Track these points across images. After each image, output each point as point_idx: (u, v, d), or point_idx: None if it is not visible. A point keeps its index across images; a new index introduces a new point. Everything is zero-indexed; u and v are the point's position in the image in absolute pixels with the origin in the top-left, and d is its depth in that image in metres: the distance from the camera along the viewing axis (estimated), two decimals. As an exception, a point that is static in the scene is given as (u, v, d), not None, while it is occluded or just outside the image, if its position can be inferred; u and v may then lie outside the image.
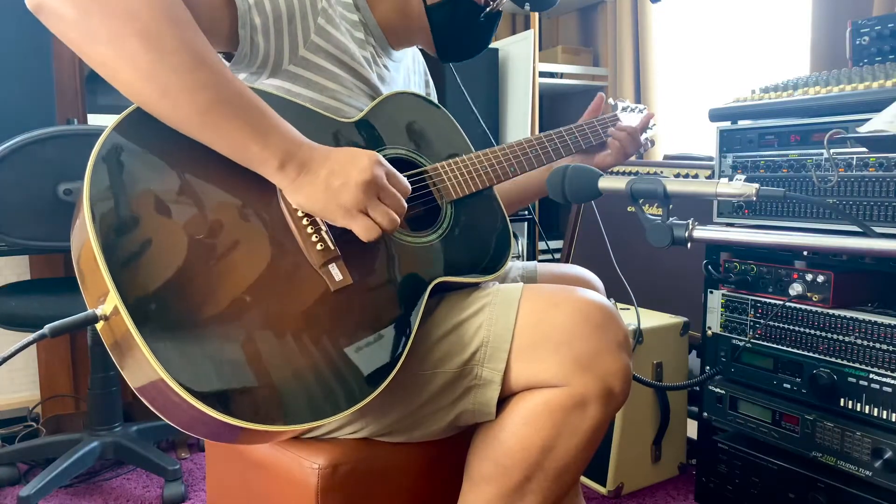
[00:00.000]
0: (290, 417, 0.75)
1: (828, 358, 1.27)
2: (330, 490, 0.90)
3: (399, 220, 0.85)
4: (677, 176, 2.01)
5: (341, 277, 0.83)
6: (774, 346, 1.36)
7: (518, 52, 2.70)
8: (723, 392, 1.45)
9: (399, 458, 0.97)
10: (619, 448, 1.70)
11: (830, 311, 1.26)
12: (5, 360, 0.76)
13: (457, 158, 1.04)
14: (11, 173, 1.51)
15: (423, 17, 1.06)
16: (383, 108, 1.02)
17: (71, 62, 2.10)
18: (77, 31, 0.74)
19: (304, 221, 0.84)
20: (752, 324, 1.41)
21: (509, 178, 1.08)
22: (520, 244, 2.70)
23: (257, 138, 0.79)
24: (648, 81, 2.66)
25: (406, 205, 0.87)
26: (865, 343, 1.21)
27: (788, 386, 1.34)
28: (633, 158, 1.40)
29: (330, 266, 0.83)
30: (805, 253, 1.35)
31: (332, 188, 0.81)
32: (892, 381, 1.17)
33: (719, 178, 0.90)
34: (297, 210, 0.84)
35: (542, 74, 2.72)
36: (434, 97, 1.30)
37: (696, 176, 1.96)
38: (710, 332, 1.49)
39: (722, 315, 1.47)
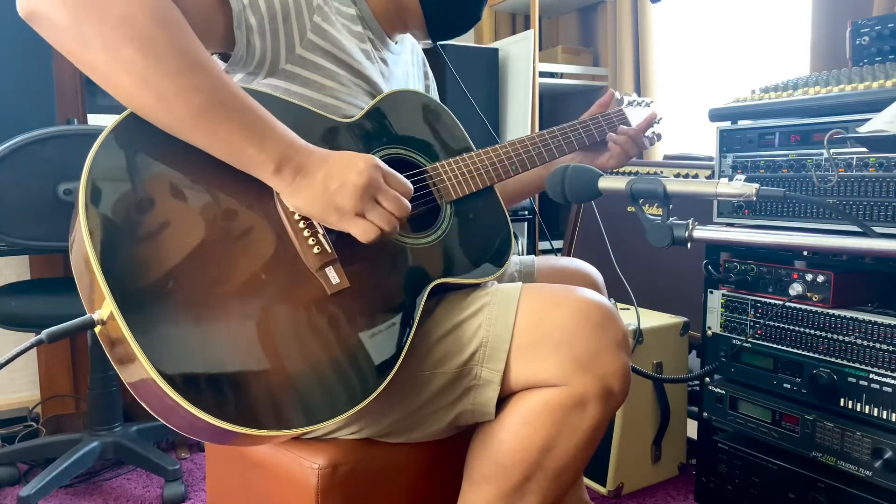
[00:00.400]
0: (287, 421, 0.75)
1: (828, 358, 1.27)
2: (330, 490, 0.90)
3: (399, 221, 0.85)
4: (677, 176, 2.01)
5: (338, 281, 0.83)
6: (774, 346, 1.36)
7: (518, 52, 2.70)
8: (723, 392, 1.45)
9: (399, 459, 0.97)
10: (619, 448, 1.70)
11: (830, 311, 1.26)
12: (2, 365, 0.76)
13: (457, 157, 1.04)
14: (11, 173, 1.51)
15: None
16: (383, 106, 1.01)
17: (71, 62, 2.10)
18: (70, 38, 0.73)
19: (301, 224, 0.83)
20: (752, 324, 1.41)
21: (510, 176, 1.08)
22: (520, 244, 2.70)
23: (253, 141, 0.79)
24: (648, 81, 2.66)
25: (409, 206, 0.86)
26: (865, 343, 1.21)
27: (788, 386, 1.34)
28: (633, 158, 1.40)
29: (327, 269, 0.83)
30: (805, 253, 1.35)
31: (329, 192, 0.81)
32: (892, 381, 1.17)
33: (719, 178, 0.90)
34: (293, 213, 0.83)
35: (542, 74, 2.72)
36: (434, 89, 1.30)
37: (696, 176, 1.96)
38: (710, 332, 1.49)
39: (722, 315, 1.47)
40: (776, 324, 1.36)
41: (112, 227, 0.74)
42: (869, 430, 1.20)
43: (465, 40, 2.93)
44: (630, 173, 2.15)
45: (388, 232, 0.84)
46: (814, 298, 1.29)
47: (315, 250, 0.83)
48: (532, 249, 2.72)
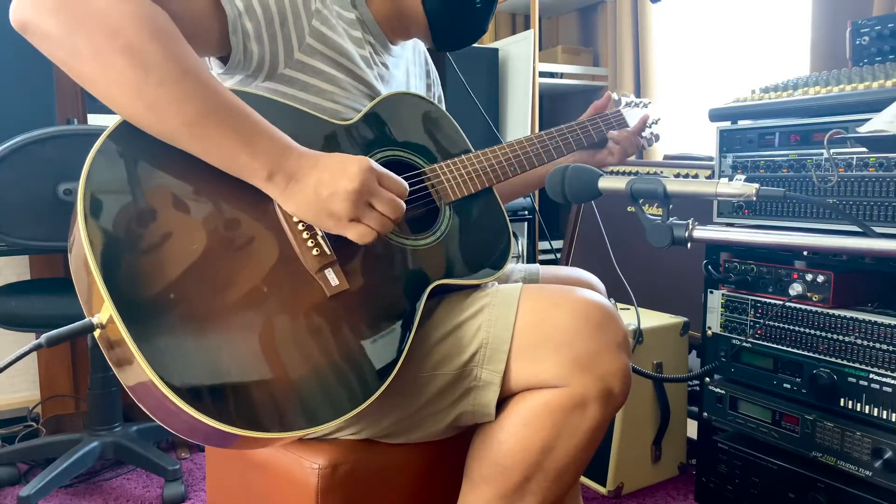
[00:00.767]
0: (286, 424, 0.75)
1: (828, 358, 1.27)
2: (330, 490, 0.90)
3: (394, 222, 0.85)
4: (677, 176, 2.01)
5: (338, 282, 0.83)
6: (774, 346, 1.36)
7: (518, 52, 2.70)
8: (723, 392, 1.45)
9: (399, 459, 0.97)
10: (619, 448, 1.70)
11: (830, 311, 1.26)
12: (1, 369, 0.76)
13: (455, 159, 1.04)
14: (11, 173, 1.51)
15: (417, 5, 1.05)
16: (381, 109, 1.01)
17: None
18: (62, 48, 0.73)
19: (300, 227, 0.83)
20: (752, 324, 1.41)
21: (509, 177, 1.08)
22: (520, 244, 2.70)
23: (246, 148, 0.79)
24: (648, 81, 2.66)
25: (404, 205, 0.86)
26: (865, 343, 1.21)
27: (788, 386, 1.34)
28: (632, 158, 1.40)
29: (326, 271, 0.83)
30: (805, 253, 1.35)
31: (322, 198, 0.81)
32: (892, 381, 1.17)
33: (719, 178, 0.90)
34: (292, 216, 0.83)
35: (542, 74, 2.72)
36: (437, 85, 1.29)
37: (696, 176, 1.96)
38: (710, 332, 1.49)
39: (722, 315, 1.47)
40: (776, 324, 1.36)
41: (110, 229, 0.74)
42: (869, 430, 1.20)
43: (465, 40, 2.92)
44: (630, 173, 2.15)
45: (384, 233, 0.84)
46: (814, 298, 1.29)
47: (314, 252, 0.83)
48: (532, 249, 2.72)
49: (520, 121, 2.68)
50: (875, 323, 1.19)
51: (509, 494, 0.88)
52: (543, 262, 2.44)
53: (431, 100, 1.11)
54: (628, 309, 1.80)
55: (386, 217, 0.84)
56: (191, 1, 0.84)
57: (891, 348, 1.17)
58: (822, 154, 1.28)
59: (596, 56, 3.04)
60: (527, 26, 2.94)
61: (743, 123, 1.44)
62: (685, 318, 1.81)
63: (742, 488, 1.44)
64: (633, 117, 1.31)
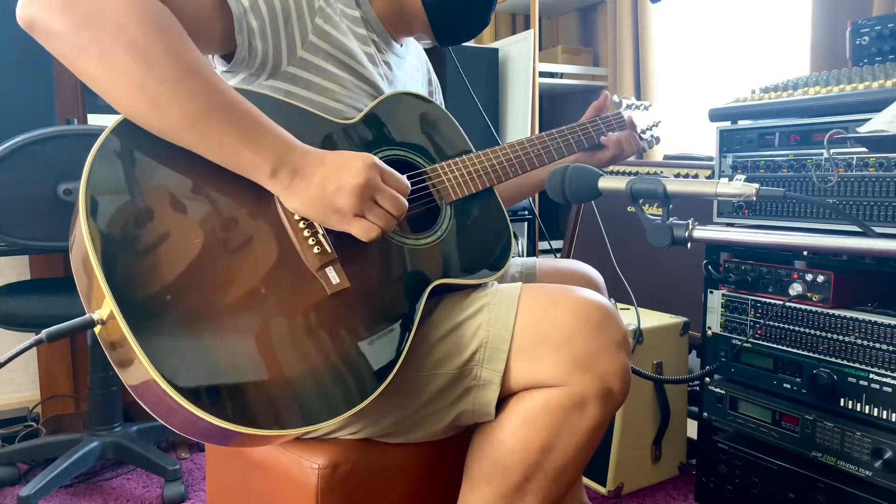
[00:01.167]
0: (287, 421, 0.75)
1: (828, 358, 1.27)
2: (330, 490, 0.90)
3: (397, 219, 0.85)
4: (677, 176, 2.01)
5: (338, 281, 0.83)
6: (774, 346, 1.36)
7: (518, 52, 2.70)
8: (723, 392, 1.45)
9: (399, 459, 0.97)
10: (619, 448, 1.70)
11: (830, 311, 1.26)
12: (2, 365, 0.76)
13: (456, 159, 1.04)
14: (11, 173, 1.51)
15: (417, 1, 1.05)
16: (382, 108, 1.01)
17: (71, 63, 2.10)
18: (68, 46, 0.74)
19: (301, 225, 0.83)
20: (752, 324, 1.41)
21: (510, 178, 1.08)
22: (520, 244, 2.70)
23: (249, 145, 0.79)
24: (648, 81, 2.66)
25: (407, 202, 0.86)
26: (865, 343, 1.21)
27: (788, 386, 1.34)
28: (632, 158, 1.40)
29: (327, 269, 0.83)
30: (805, 253, 1.35)
31: (327, 193, 0.81)
32: (892, 381, 1.17)
33: (719, 178, 0.90)
34: (293, 213, 0.83)
35: (542, 74, 2.72)
36: (439, 93, 1.29)
37: (696, 176, 1.96)
38: (710, 332, 1.49)
39: (722, 315, 1.47)
40: (776, 324, 1.36)
41: (112, 225, 0.74)
42: (869, 430, 1.20)
43: (465, 40, 2.93)
44: (630, 173, 2.15)
45: (387, 230, 0.84)
46: (814, 298, 1.29)
47: (315, 250, 0.83)
48: (532, 249, 2.72)
49: (520, 121, 2.68)
50: (875, 323, 1.19)
51: (509, 494, 0.88)
52: (542, 256, 2.44)
53: (432, 100, 1.11)
54: (628, 309, 1.80)
55: (389, 213, 0.84)
56: None
57: (891, 348, 1.17)
58: (822, 154, 1.28)
59: (596, 56, 3.04)
60: (527, 26, 2.94)
61: (743, 123, 1.44)
62: (685, 318, 1.81)
63: (742, 488, 1.44)
64: (634, 119, 1.31)
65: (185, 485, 1.78)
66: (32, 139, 1.52)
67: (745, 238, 0.81)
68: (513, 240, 1.06)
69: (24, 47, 1.74)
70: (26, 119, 1.71)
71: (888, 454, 1.16)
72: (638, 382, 1.68)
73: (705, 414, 1.50)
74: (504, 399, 0.90)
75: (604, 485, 1.72)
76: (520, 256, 1.37)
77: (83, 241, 0.72)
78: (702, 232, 0.78)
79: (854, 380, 1.22)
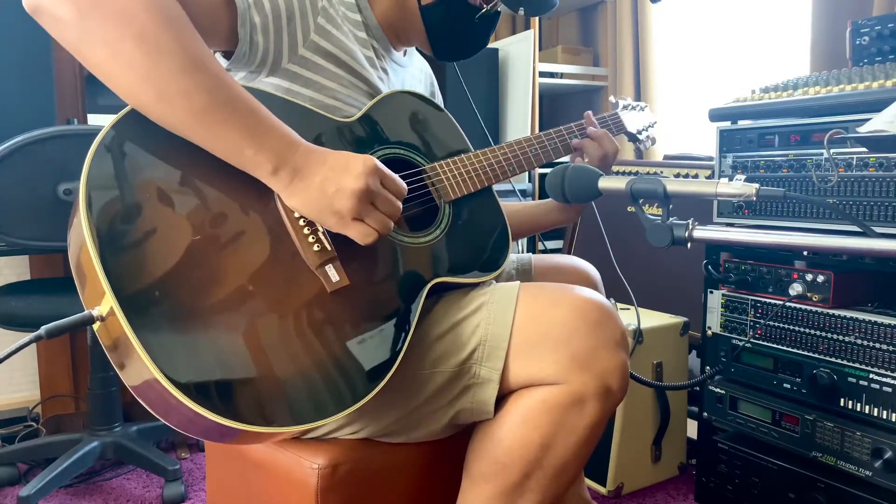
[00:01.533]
0: (286, 419, 0.75)
1: (828, 358, 1.27)
2: (330, 490, 0.90)
3: (392, 223, 0.86)
4: (677, 176, 2.01)
5: (338, 278, 0.83)
6: (774, 346, 1.36)
7: (518, 52, 2.70)
8: (723, 392, 1.45)
9: (399, 458, 0.97)
10: (619, 448, 1.70)
11: (830, 311, 1.26)
12: (1, 360, 0.76)
13: (455, 158, 1.04)
14: (11, 173, 1.51)
15: (418, 15, 1.06)
16: (382, 106, 1.01)
17: (71, 62, 2.10)
18: (74, 33, 0.73)
19: (301, 222, 0.84)
20: (752, 324, 1.41)
21: (508, 177, 1.08)
22: (519, 244, 2.70)
23: (252, 142, 0.79)
24: (648, 81, 2.66)
25: (401, 207, 0.87)
26: (865, 343, 1.21)
27: (788, 386, 1.34)
28: (632, 158, 1.40)
29: (327, 267, 0.83)
30: (805, 253, 1.35)
31: (327, 195, 0.81)
32: (892, 381, 1.17)
33: (719, 178, 0.90)
34: (293, 211, 0.83)
35: (542, 74, 2.72)
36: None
37: (696, 176, 1.96)
38: (710, 332, 1.49)
39: (722, 315, 1.47)
40: (776, 324, 1.36)
41: (112, 222, 0.74)
42: (869, 430, 1.20)
43: (465, 40, 2.92)
44: (630, 173, 2.15)
45: (384, 234, 0.85)
46: (814, 298, 1.29)
47: (315, 248, 0.83)
48: (532, 249, 2.72)
49: (520, 121, 2.68)
50: (875, 323, 1.19)
51: (509, 492, 0.88)
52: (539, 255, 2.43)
53: (432, 98, 1.11)
54: (628, 309, 1.80)
55: (387, 217, 0.84)
56: None
57: (891, 348, 1.17)
58: (822, 154, 1.28)
59: (596, 56, 3.04)
60: (527, 26, 2.94)
61: (743, 123, 1.44)
62: (685, 318, 1.81)
63: (742, 488, 1.44)
64: (630, 119, 1.31)
65: (185, 485, 1.78)
66: (32, 139, 1.52)
67: (745, 238, 0.81)
68: (510, 239, 1.06)
69: (25, 47, 1.74)
70: (26, 119, 1.71)
71: (888, 454, 1.16)
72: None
73: (705, 414, 1.50)
74: (503, 397, 0.90)
75: (604, 485, 1.72)
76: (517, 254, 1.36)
77: (82, 235, 0.72)
78: (702, 232, 0.79)
79: (854, 380, 1.22)
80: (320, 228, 0.84)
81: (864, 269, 1.30)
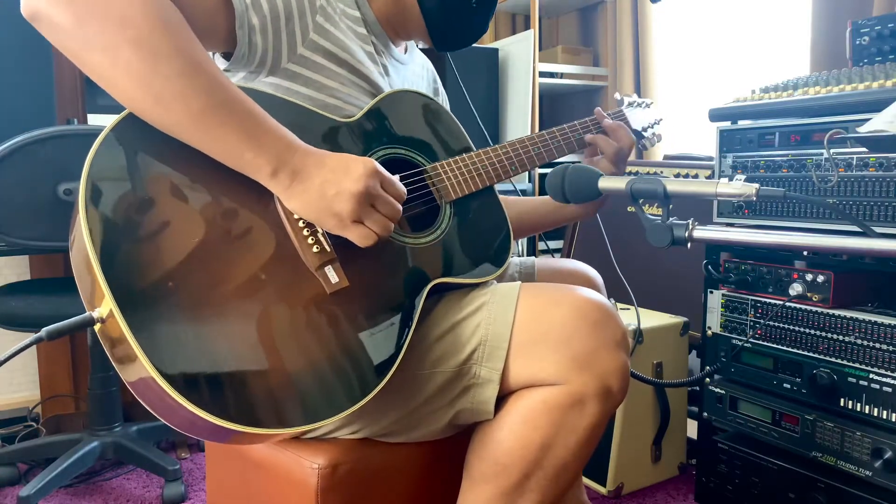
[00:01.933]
0: (286, 420, 0.75)
1: (828, 358, 1.27)
2: (330, 490, 0.90)
3: (393, 225, 0.86)
4: (677, 176, 2.01)
5: (337, 280, 0.83)
6: (774, 346, 1.36)
7: (518, 52, 2.70)
8: (723, 392, 1.45)
9: (398, 458, 0.97)
10: (619, 448, 1.70)
11: (830, 311, 1.26)
12: (2, 363, 0.76)
13: (456, 157, 1.04)
14: (11, 173, 1.51)
15: (416, 5, 1.06)
16: (383, 106, 1.01)
17: (71, 63, 2.09)
18: (72, 38, 0.73)
19: (301, 224, 0.84)
20: (752, 324, 1.41)
21: (510, 176, 1.08)
22: (519, 244, 2.70)
23: (250, 144, 0.79)
24: (648, 81, 2.66)
25: (401, 209, 0.87)
26: (865, 343, 1.21)
27: (788, 386, 1.34)
28: (632, 158, 1.39)
29: (326, 268, 0.83)
30: (805, 253, 1.35)
31: (326, 197, 0.81)
32: (892, 381, 1.17)
33: (719, 178, 0.90)
34: (293, 213, 0.83)
35: (542, 74, 2.72)
36: (446, 104, 1.29)
37: (696, 176, 1.96)
38: (710, 332, 1.49)
39: (722, 315, 1.47)
40: (776, 324, 1.36)
41: (112, 225, 0.74)
42: (869, 430, 1.20)
43: (465, 40, 2.92)
44: (630, 173, 2.15)
45: (383, 236, 0.85)
46: (814, 298, 1.29)
47: (314, 249, 0.83)
48: (532, 249, 2.72)
49: (520, 121, 2.68)
50: (875, 323, 1.19)
51: (509, 492, 0.88)
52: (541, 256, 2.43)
53: (432, 97, 1.11)
54: (628, 309, 1.80)
55: (387, 220, 0.84)
56: None
57: (891, 348, 1.17)
58: (822, 154, 1.28)
59: (596, 56, 3.04)
60: (527, 26, 2.94)
61: (743, 123, 1.44)
62: (685, 318, 1.81)
63: (742, 488, 1.44)
64: (635, 117, 1.31)
65: (185, 485, 1.78)
66: (32, 139, 1.52)
67: (745, 238, 0.81)
68: (512, 239, 1.06)
69: (25, 47, 1.74)
70: (26, 119, 1.71)
71: (888, 454, 1.16)
72: (638, 382, 1.68)
73: (705, 414, 1.50)
74: (503, 398, 0.90)
75: (604, 485, 1.72)
76: (519, 256, 1.37)
77: (83, 239, 0.72)
78: (702, 232, 0.78)
79: (854, 380, 1.22)
80: (320, 230, 0.84)
81: (864, 269, 1.30)
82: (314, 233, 0.84)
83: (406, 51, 1.16)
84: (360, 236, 0.83)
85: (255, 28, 0.89)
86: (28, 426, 2.13)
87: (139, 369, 0.70)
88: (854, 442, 1.21)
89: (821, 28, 2.00)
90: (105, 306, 0.71)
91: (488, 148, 1.08)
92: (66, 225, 0.80)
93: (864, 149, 1.20)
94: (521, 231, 1.28)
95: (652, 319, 1.77)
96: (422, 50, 1.27)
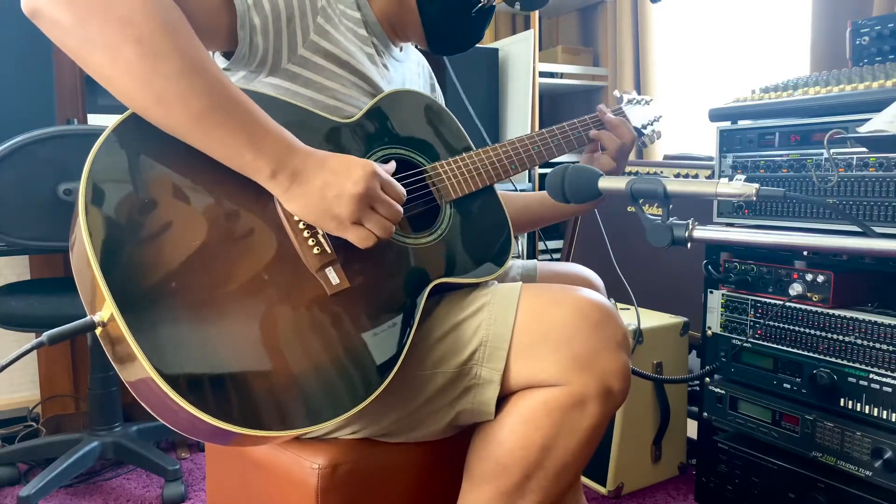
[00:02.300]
0: (287, 422, 0.75)
1: (828, 358, 1.27)
2: (330, 490, 0.90)
3: (393, 227, 0.86)
4: (677, 176, 2.01)
5: (338, 281, 0.83)
6: (774, 346, 1.36)
7: (518, 52, 2.70)
8: (723, 392, 1.45)
9: (399, 458, 0.97)
10: (619, 448, 1.70)
11: (830, 311, 1.26)
12: (2, 368, 0.76)
13: (456, 157, 1.04)
14: (11, 173, 1.51)
15: (415, 9, 1.06)
16: (383, 106, 1.01)
17: (71, 62, 2.08)
18: (73, 37, 0.73)
19: (301, 225, 0.83)
20: (752, 324, 1.41)
21: (510, 175, 1.08)
22: (519, 244, 2.70)
23: (250, 146, 0.79)
24: (648, 81, 2.66)
25: (402, 211, 0.87)
26: (865, 343, 1.21)
27: (788, 386, 1.34)
28: (632, 158, 1.39)
29: (327, 270, 0.83)
30: (805, 253, 1.35)
31: (326, 199, 0.81)
32: (892, 381, 1.17)
33: (719, 178, 0.90)
34: (293, 215, 0.83)
35: (542, 74, 2.72)
36: (441, 102, 1.29)
37: (696, 176, 1.96)
38: (710, 332, 1.49)
39: (722, 315, 1.47)
40: (776, 324, 1.36)
41: (112, 227, 0.74)
42: (869, 430, 1.20)
43: (465, 40, 2.92)
44: (630, 173, 2.15)
45: (383, 238, 0.85)
46: (814, 298, 1.29)
47: (315, 251, 0.83)
48: (532, 249, 2.72)
49: (520, 121, 2.68)
50: (875, 323, 1.19)
51: (509, 493, 0.88)
52: (542, 261, 2.44)
53: (432, 94, 1.11)
54: (628, 309, 1.80)
55: (387, 221, 0.84)
56: None
57: (891, 348, 1.17)
58: (822, 154, 1.28)
59: (596, 56, 3.04)
60: (527, 26, 2.94)
61: (743, 123, 1.44)
62: (685, 318, 1.81)
63: (742, 488, 1.44)
64: (635, 114, 1.30)
65: (185, 485, 1.78)
66: (32, 139, 1.52)
67: (745, 238, 0.81)
68: (513, 239, 1.05)
69: (25, 47, 1.74)
70: (26, 119, 1.71)
71: (888, 454, 1.16)
72: (638, 382, 1.68)
73: (705, 414, 1.50)
74: (504, 398, 0.90)
75: (604, 485, 1.72)
76: (519, 256, 1.36)
77: (83, 241, 0.72)
78: (702, 232, 0.78)
79: (854, 380, 1.22)
80: (320, 231, 0.84)
81: (864, 269, 1.30)
82: (314, 234, 0.83)
83: (401, 49, 1.16)
84: (359, 238, 0.83)
85: (256, 28, 0.89)
86: (28, 426, 2.13)
87: (140, 372, 0.70)
88: (854, 442, 1.21)
89: (821, 28, 2.00)
90: (106, 309, 0.71)
91: (488, 147, 1.08)
92: (66, 225, 0.80)
93: (864, 149, 1.20)
94: (520, 226, 1.29)
95: (652, 319, 1.77)
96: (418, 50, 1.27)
